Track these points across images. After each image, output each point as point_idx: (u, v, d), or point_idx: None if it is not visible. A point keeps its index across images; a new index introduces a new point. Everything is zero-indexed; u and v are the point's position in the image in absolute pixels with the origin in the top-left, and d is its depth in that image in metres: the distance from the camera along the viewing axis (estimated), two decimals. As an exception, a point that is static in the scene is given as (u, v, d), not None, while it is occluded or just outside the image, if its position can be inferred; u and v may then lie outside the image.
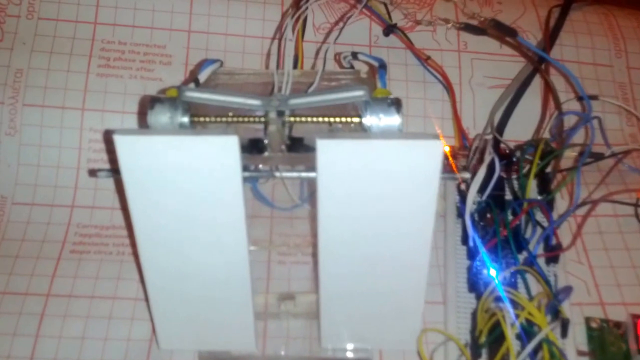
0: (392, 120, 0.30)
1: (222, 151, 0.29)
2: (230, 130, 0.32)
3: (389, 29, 0.46)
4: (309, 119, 0.31)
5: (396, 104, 0.30)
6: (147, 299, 0.35)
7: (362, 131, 0.31)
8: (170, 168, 0.29)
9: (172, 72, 0.44)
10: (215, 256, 0.32)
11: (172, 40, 0.45)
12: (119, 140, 0.28)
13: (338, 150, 0.28)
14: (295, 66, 0.40)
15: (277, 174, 0.32)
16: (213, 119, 0.32)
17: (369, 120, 0.31)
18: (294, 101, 0.31)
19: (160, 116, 0.31)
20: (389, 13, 0.46)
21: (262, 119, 0.32)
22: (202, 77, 0.35)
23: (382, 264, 0.31)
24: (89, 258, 0.40)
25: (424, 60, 0.45)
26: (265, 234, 0.40)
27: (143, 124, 0.38)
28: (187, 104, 0.32)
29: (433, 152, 0.27)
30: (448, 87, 0.44)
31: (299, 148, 0.32)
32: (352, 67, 0.39)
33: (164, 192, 0.30)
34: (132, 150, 0.29)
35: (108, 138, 0.42)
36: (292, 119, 0.31)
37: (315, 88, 0.34)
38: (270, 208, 0.40)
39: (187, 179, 0.30)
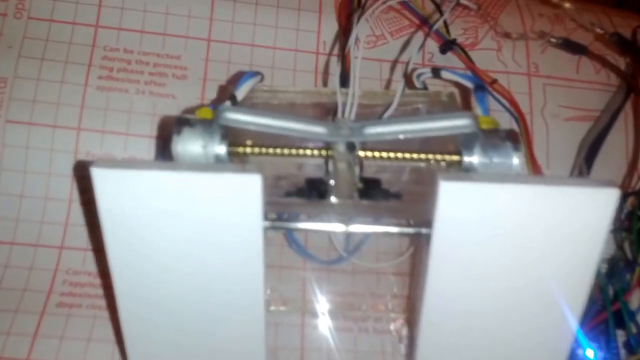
0: (507, 159, 0.23)
1: (239, 194, 0.23)
2: (253, 164, 0.25)
3: (447, 45, 0.39)
4: (392, 155, 0.24)
5: (512, 139, 0.23)
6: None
7: (462, 172, 0.24)
8: (166, 213, 0.23)
9: (187, 87, 0.37)
10: (221, 323, 0.25)
11: (188, 50, 0.38)
12: (98, 175, 0.22)
13: (472, 196, 0.22)
14: (343, 84, 0.33)
15: (346, 227, 0.24)
16: (262, 149, 0.25)
17: (476, 158, 0.23)
18: (371, 130, 0.24)
19: (191, 144, 0.24)
20: (447, 26, 0.39)
21: (324, 152, 0.24)
22: (241, 93, 0.28)
23: (509, 342, 0.25)
24: (80, 314, 0.33)
25: (489, 84, 0.38)
26: (298, 291, 0.33)
27: (159, 151, 0.30)
28: (224, 129, 0.25)
29: (607, 201, 0.23)
30: (519, 117, 0.37)
31: (376, 194, 0.24)
32: (425, 87, 0.32)
33: (155, 243, 0.24)
34: (116, 189, 0.22)
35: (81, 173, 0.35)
36: (366, 154, 0.24)
37: (392, 113, 0.27)
38: (305, 259, 0.33)
39: (190, 228, 0.24)
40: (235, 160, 0.26)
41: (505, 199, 0.22)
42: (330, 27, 0.39)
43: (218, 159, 0.25)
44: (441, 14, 0.39)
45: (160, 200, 0.23)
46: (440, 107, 0.29)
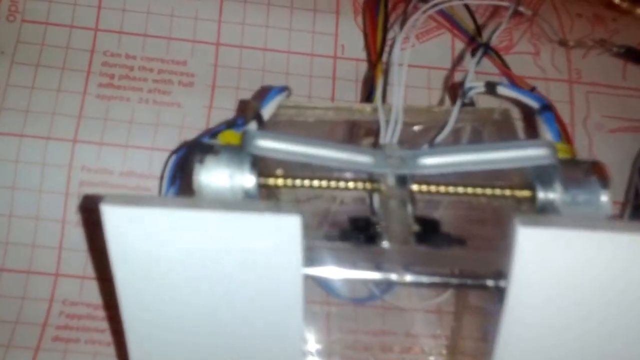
0: (594, 197, 0.19)
1: (275, 237, 0.19)
2: (290, 202, 0.22)
3: (480, 49, 0.35)
4: (451, 189, 0.20)
5: (598, 172, 0.20)
6: None
7: (535, 211, 0.20)
8: (188, 257, 0.20)
9: (194, 95, 0.34)
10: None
11: (196, 55, 0.35)
12: (109, 214, 0.18)
13: (558, 245, 0.18)
14: (368, 99, 0.29)
15: (400, 276, 0.21)
16: (296, 181, 0.21)
17: (556, 196, 0.20)
18: (427, 161, 0.21)
19: (215, 175, 0.21)
20: (478, 28, 0.35)
21: (368, 185, 0.21)
22: (268, 112, 0.24)
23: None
24: (78, 350, 0.30)
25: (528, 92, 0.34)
26: (321, 329, 0.29)
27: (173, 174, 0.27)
28: (252, 157, 0.21)
29: None
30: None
31: (437, 239, 0.21)
32: (472, 103, 0.28)
33: (174, 290, 0.21)
34: (130, 229, 0.19)
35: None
36: (420, 188, 0.21)
37: (446, 137, 0.23)
38: (328, 295, 0.29)
39: (215, 274, 0.20)
40: (264, 194, 0.22)
41: (598, 247, 0.18)
42: (349, 29, 0.36)
43: (247, 193, 0.22)
44: (474, 20, 0.35)
45: (182, 242, 0.20)
46: (493, 127, 0.25)
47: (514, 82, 0.34)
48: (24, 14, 0.35)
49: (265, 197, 0.23)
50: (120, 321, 0.25)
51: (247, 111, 0.26)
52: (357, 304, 0.29)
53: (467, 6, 0.36)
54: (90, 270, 0.32)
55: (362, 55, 0.35)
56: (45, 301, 0.31)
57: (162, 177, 0.33)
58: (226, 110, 0.34)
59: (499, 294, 0.20)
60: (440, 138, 0.24)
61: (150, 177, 0.33)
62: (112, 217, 0.19)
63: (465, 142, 0.26)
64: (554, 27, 0.37)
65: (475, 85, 0.27)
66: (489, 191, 0.21)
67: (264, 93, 0.26)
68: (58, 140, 0.33)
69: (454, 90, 0.29)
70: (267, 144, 0.23)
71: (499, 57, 0.35)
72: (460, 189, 0.21)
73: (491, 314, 0.20)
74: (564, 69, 0.36)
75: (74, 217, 0.32)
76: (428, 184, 0.22)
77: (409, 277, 0.22)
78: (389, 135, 0.24)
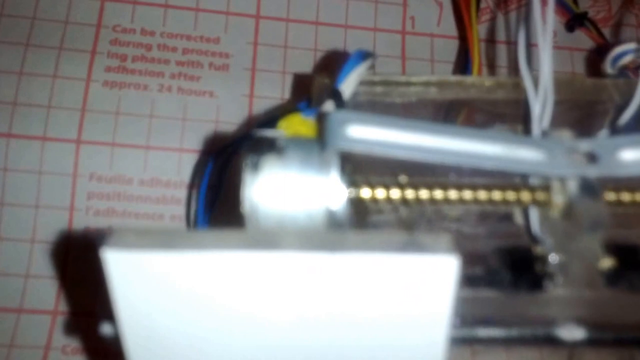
0: None
1: (419, 287, 0.13)
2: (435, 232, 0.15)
3: (576, 19, 0.29)
4: None
5: None
6: None
7: None
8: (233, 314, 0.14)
9: (230, 81, 0.28)
10: None
11: (231, 31, 0.28)
12: (114, 261, 0.13)
13: None
14: (464, 71, 0.22)
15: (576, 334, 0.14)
16: (412, 193, 0.14)
17: None
18: (632, 155, 0.14)
19: (283, 189, 0.14)
20: (575, -1, 0.29)
21: (523, 194, 0.14)
22: (348, 87, 0.17)
23: None
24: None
25: (632, 70, 0.28)
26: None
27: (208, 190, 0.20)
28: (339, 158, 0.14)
29: None
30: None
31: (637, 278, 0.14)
32: (623, 75, 0.21)
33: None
34: (143, 281, 0.13)
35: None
36: (620, 197, 0.14)
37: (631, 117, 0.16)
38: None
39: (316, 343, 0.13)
40: (355, 217, 0.15)
41: None
42: (419, -1, 0.29)
43: (332, 217, 0.14)
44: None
45: (231, 295, 0.13)
46: None
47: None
48: (9, -20, 0.27)
49: (355, 222, 0.16)
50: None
51: (314, 89, 0.19)
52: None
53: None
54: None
55: (437, 30, 0.29)
56: (41, 348, 0.24)
57: (191, 186, 0.26)
58: (272, 99, 0.27)
59: None
60: (624, 119, 0.17)
61: (180, 186, 0.26)
62: (118, 264, 0.13)
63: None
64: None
65: (627, 50, 0.20)
66: None
67: (339, 61, 0.19)
68: (57, 140, 0.26)
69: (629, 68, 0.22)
70: (369, 134, 0.15)
71: (597, 29, 0.30)
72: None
73: None
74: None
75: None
76: (630, 190, 0.15)
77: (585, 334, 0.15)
78: (536, 120, 0.17)
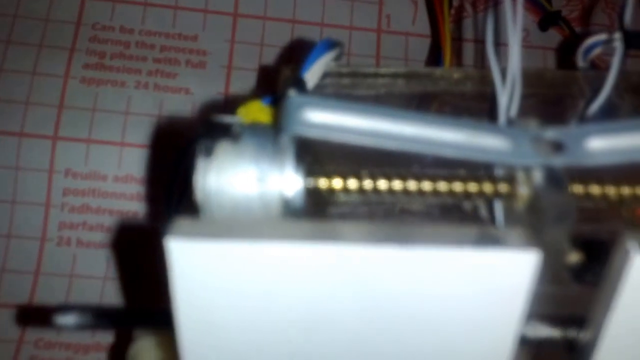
0: None
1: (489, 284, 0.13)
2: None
3: (548, 19, 0.29)
4: (627, 190, 0.14)
5: None
6: None
7: None
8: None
9: (206, 79, 0.28)
10: None
11: (208, 29, 0.29)
12: (176, 250, 0.13)
13: None
14: (436, 62, 0.23)
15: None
16: (367, 183, 0.15)
17: None
18: (599, 144, 0.14)
19: (235, 176, 0.14)
20: (548, -2, 0.30)
21: (486, 186, 0.14)
22: (313, 76, 0.17)
23: None
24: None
25: (604, 69, 0.28)
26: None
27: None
28: (295, 144, 0.14)
29: None
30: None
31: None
32: (593, 66, 0.21)
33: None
34: (214, 273, 0.13)
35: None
36: (588, 189, 0.14)
37: (599, 108, 0.16)
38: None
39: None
40: (311, 207, 0.15)
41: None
42: (396, -4, 0.30)
43: (288, 203, 0.14)
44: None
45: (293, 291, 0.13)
46: (633, 94, 0.18)
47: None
48: (-11, -23, 0.28)
49: (311, 211, 0.16)
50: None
51: (280, 80, 0.19)
52: None
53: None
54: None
55: (412, 28, 0.29)
56: (13, 342, 0.24)
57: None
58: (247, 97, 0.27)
59: None
60: (593, 109, 0.17)
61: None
62: (184, 255, 0.12)
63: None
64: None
65: (596, 42, 0.20)
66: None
67: (305, 51, 0.19)
68: (34, 137, 0.27)
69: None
70: (328, 118, 0.15)
71: (570, 28, 0.30)
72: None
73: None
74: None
75: (56, 235, 0.25)
76: (599, 182, 0.15)
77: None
78: (503, 110, 0.17)
